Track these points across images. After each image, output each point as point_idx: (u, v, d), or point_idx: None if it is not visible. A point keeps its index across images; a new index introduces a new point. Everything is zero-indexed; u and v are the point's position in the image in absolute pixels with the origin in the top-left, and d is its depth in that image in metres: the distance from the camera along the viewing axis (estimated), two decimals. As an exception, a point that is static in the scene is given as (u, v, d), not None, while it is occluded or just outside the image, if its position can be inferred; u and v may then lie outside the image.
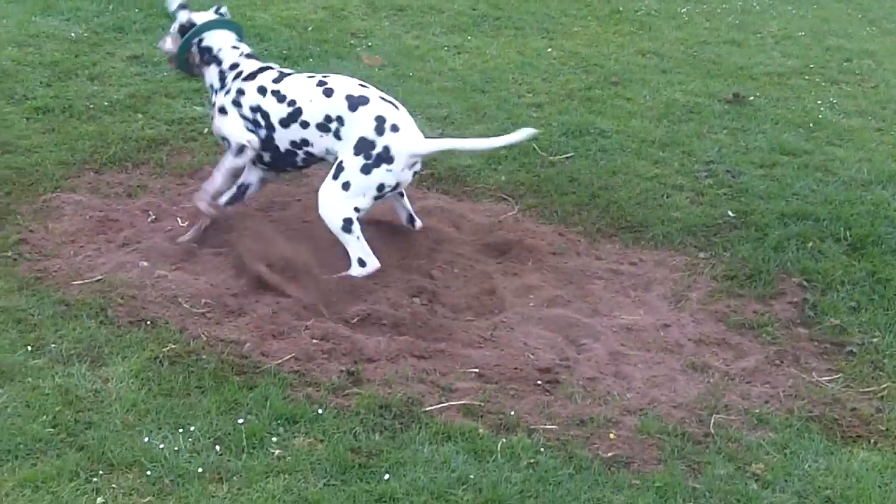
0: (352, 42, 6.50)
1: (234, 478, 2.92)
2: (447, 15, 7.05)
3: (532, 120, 5.51)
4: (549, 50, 6.57)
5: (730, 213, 4.76)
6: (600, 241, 4.55)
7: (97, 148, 4.99)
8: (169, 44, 4.40)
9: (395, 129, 3.97)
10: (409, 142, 3.99)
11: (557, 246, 4.46)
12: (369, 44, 6.47)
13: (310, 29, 6.62)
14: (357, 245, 3.98)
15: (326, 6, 7.05)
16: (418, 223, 4.33)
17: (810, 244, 4.47)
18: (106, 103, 5.42)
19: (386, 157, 3.95)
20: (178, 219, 4.39)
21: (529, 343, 3.73)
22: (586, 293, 4.14)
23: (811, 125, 5.70)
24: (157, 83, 5.70)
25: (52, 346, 3.43)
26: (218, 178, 4.21)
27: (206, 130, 5.23)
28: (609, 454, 3.16)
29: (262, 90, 4.14)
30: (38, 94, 5.43)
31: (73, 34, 6.17)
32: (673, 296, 4.14)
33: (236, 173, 4.26)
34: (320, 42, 6.42)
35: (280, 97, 4.10)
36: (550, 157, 5.18)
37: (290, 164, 4.21)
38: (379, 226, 4.28)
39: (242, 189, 4.32)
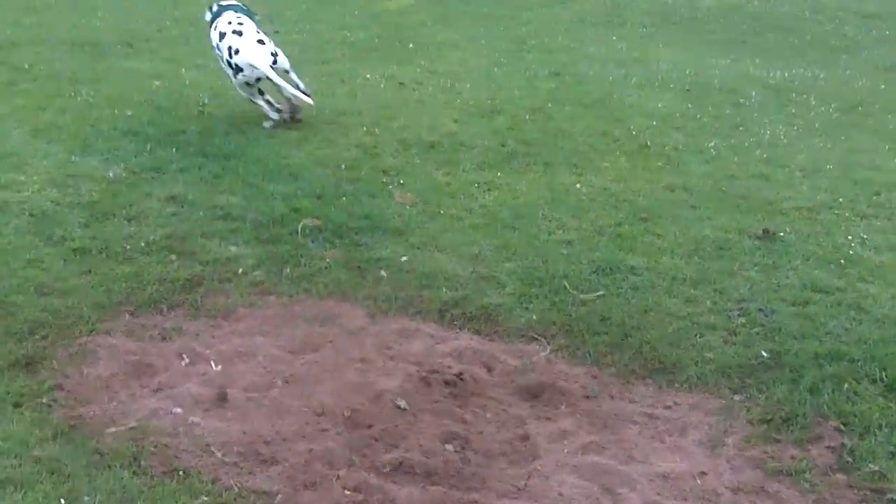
0: (384, 180, 6.61)
1: None
2: (477, 151, 7.18)
3: (562, 257, 5.56)
4: (579, 186, 6.65)
5: (763, 353, 4.74)
6: (634, 382, 4.54)
7: (133, 289, 5.07)
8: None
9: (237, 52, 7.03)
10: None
11: (591, 388, 4.45)
12: (401, 181, 6.58)
13: (343, 167, 6.75)
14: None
15: (359, 144, 7.20)
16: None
17: (846, 386, 4.43)
18: (142, 244, 5.52)
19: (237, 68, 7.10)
20: (212, 362, 4.44)
21: (564, 493, 3.70)
22: (621, 438, 4.12)
23: (842, 261, 5.71)
24: (193, 223, 5.81)
25: (86, 498, 3.43)
26: None
27: (240, 271, 5.31)
28: None
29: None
30: (76, 236, 5.54)
31: (111, 174, 6.33)
32: (709, 441, 4.11)
33: None
34: (353, 180, 6.54)
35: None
36: (582, 296, 5.20)
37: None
38: (420, 368, 4.30)
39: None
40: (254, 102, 7.36)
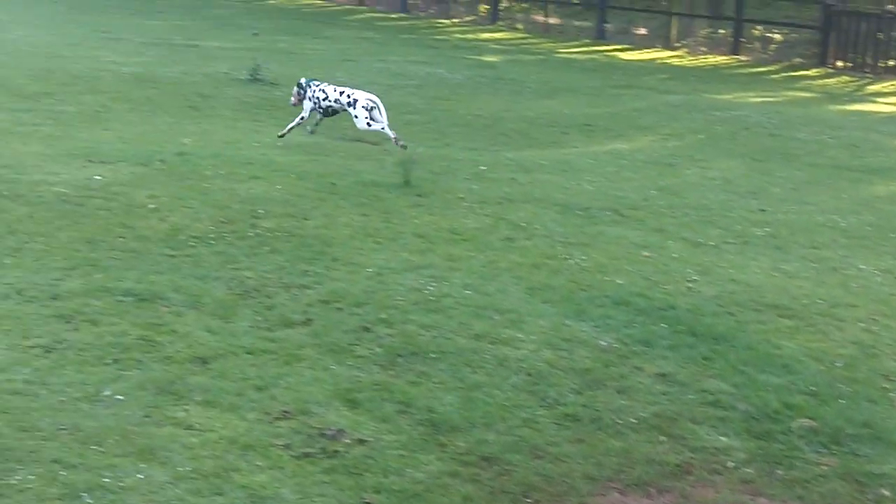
0: (885, 385, 6.18)
1: None
2: None
3: None
4: None
5: None
6: None
7: (622, 466, 5.06)
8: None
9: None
10: None
11: None
12: (903, 388, 6.12)
13: (838, 365, 6.40)
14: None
15: (855, 341, 6.82)
16: None
17: None
18: (633, 420, 5.52)
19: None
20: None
21: None
22: None
23: None
24: (683, 405, 5.74)
25: None
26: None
27: (730, 464, 5.14)
28: None
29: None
30: (569, 401, 5.67)
31: (603, 342, 6.45)
32: None
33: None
34: (850, 381, 6.17)
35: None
36: None
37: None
38: None
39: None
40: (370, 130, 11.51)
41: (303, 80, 11.82)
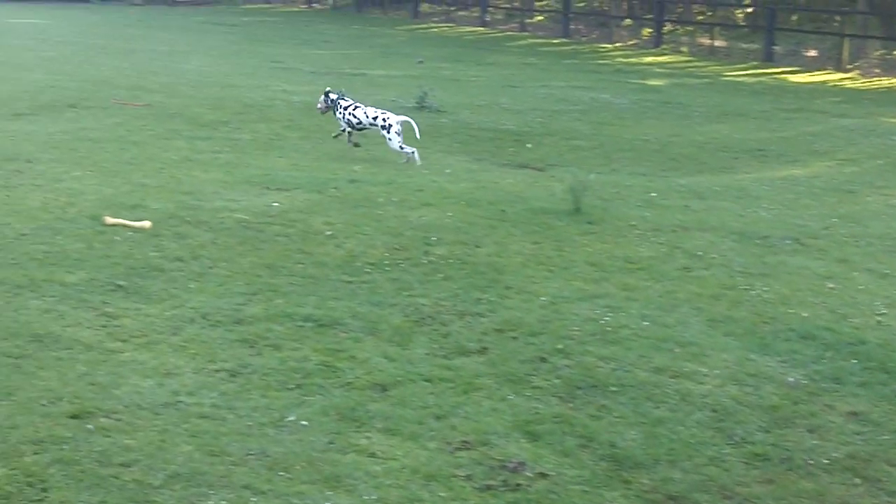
0: None
1: None
2: None
3: None
4: None
5: None
6: None
7: (818, 508, 4.84)
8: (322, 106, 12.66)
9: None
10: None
11: None
12: None
13: None
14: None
15: None
16: None
17: None
18: (825, 461, 5.27)
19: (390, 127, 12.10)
20: None
21: None
22: None
23: None
24: (878, 445, 5.45)
25: None
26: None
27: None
28: None
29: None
30: (757, 440, 5.45)
31: (790, 378, 6.20)
32: None
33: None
34: None
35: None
36: None
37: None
38: None
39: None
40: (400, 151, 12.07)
41: (333, 95, 12.51)
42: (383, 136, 12.09)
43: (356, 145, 12.51)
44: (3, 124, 13.11)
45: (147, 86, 17.27)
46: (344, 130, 12.51)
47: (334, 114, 12.54)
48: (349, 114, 12.28)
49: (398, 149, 12.03)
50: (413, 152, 11.99)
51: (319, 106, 12.82)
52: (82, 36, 26.56)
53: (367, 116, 12.15)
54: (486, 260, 8.23)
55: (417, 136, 12.09)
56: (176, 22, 33.07)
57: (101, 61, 20.69)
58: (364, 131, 12.41)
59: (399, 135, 11.99)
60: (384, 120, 12.02)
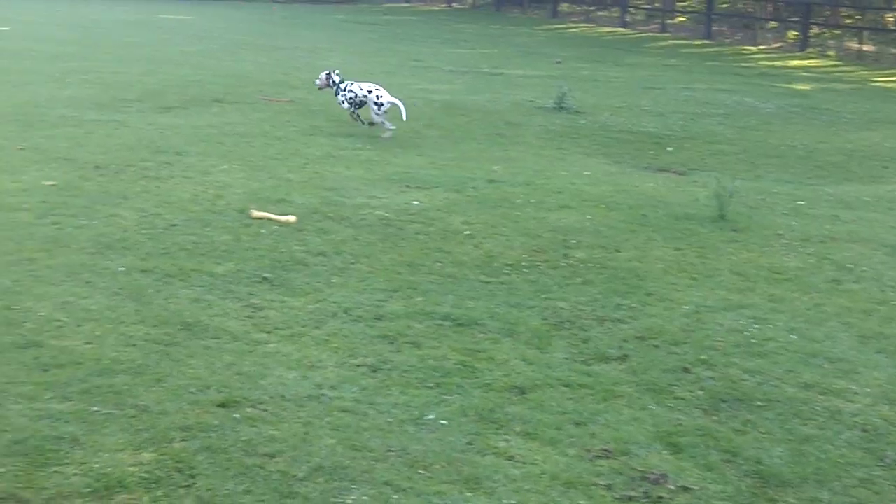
0: None
1: None
2: None
3: None
4: None
5: None
6: None
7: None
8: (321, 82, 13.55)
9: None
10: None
11: None
12: None
13: None
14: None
15: None
16: None
17: None
18: (981, 489, 5.02)
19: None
20: None
21: None
22: None
23: None
24: None
25: None
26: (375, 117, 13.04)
27: None
28: None
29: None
30: (912, 464, 5.23)
31: (944, 401, 5.92)
32: None
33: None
34: None
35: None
36: None
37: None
38: None
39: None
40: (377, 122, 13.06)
41: (336, 77, 13.38)
42: (371, 106, 12.98)
43: (371, 124, 13.23)
44: (154, 117, 13.54)
45: (290, 82, 17.62)
46: (353, 113, 13.38)
47: (336, 96, 13.41)
48: (348, 91, 13.17)
49: (376, 120, 13.06)
50: (388, 128, 13.01)
51: (318, 83, 13.66)
52: (227, 32, 27.29)
53: (362, 90, 13.08)
54: (627, 265, 8.12)
55: (404, 118, 12.90)
56: (318, 20, 33.70)
57: (244, 57, 21.21)
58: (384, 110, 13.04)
59: (385, 113, 12.99)
60: (378, 97, 12.91)
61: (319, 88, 13.83)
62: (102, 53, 20.58)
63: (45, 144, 11.32)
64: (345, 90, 13.23)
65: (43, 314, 6.41)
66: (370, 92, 13.02)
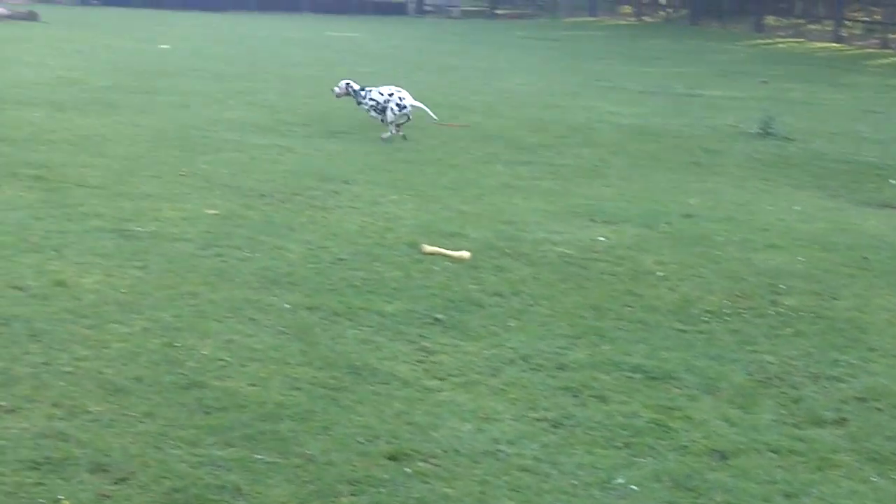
0: None
1: None
2: None
3: None
4: None
5: None
6: None
7: None
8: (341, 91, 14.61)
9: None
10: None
11: None
12: None
13: None
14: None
15: None
16: None
17: None
18: None
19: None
20: None
21: None
22: None
23: None
24: None
25: None
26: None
27: None
28: None
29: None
30: None
31: None
32: None
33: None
34: None
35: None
36: None
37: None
38: None
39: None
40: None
41: (355, 85, 14.49)
42: (391, 107, 13.96)
43: (400, 133, 14.14)
44: (320, 143, 13.94)
45: (466, 105, 17.87)
46: (386, 122, 14.14)
47: (358, 105, 14.44)
48: (369, 99, 14.17)
49: (390, 122, 14.01)
50: (392, 132, 14.06)
51: (337, 90, 14.65)
52: (398, 50, 27.93)
53: (382, 94, 14.07)
54: (846, 315, 7.86)
55: (434, 117, 14.36)
56: (495, 37, 34.14)
57: (418, 78, 21.60)
58: (405, 112, 14.02)
59: (403, 117, 14.03)
60: (400, 98, 13.95)
61: (337, 97, 14.78)
62: (266, 73, 21.37)
63: (207, 170, 11.80)
64: (365, 98, 14.24)
65: (206, 353, 6.66)
66: (391, 95, 14.01)
